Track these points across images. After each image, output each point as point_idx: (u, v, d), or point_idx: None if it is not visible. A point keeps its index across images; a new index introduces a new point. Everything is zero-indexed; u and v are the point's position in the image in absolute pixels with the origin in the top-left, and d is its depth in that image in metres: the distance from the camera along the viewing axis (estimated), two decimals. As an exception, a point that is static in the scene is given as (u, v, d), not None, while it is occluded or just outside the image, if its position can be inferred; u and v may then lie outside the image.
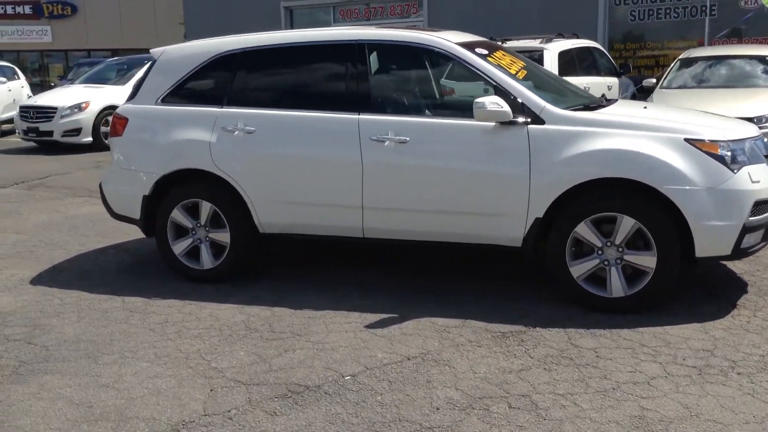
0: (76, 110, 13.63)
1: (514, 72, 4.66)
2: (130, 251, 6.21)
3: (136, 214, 5.31)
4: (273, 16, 19.28)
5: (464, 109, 4.58)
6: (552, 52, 9.04)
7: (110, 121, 5.71)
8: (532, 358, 3.75)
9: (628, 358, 3.70)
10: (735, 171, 4.14)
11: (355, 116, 4.71)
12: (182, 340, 4.18)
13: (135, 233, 6.61)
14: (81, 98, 13.87)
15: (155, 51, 5.47)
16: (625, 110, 4.67)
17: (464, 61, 4.61)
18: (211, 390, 3.52)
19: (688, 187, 4.08)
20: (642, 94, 11.04)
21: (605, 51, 12.06)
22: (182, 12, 20.71)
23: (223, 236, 5.11)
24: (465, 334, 4.10)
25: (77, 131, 13.59)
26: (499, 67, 4.61)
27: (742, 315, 4.25)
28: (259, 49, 5.07)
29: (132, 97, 5.45)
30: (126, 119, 5.32)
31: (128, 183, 5.33)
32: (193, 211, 5.19)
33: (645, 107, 4.98)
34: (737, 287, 4.76)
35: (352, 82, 4.78)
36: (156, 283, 5.25)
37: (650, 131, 4.25)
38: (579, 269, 4.36)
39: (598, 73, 10.44)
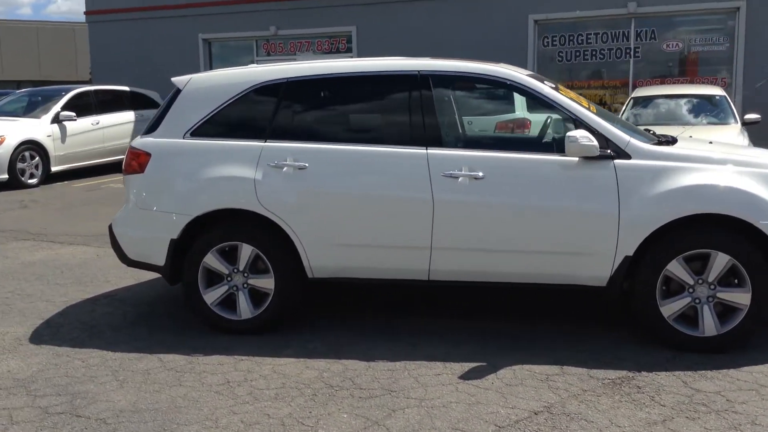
0: (-11, 145, 12.43)
1: (586, 106, 4.51)
2: (126, 301, 5.54)
3: (160, 260, 4.72)
4: (191, 50, 18.61)
5: (535, 143, 4.38)
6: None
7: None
8: (664, 406, 3.53)
9: (760, 401, 3.55)
10: (826, 206, 4.14)
11: (423, 150, 4.40)
12: (261, 402, 3.66)
13: (117, 280, 6.03)
14: (-6, 132, 12.69)
15: (179, 80, 4.94)
16: (699, 146, 4.61)
17: (541, 94, 4.41)
18: (340, 463, 3.06)
19: (783, 222, 4.04)
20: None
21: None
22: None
23: (266, 282, 4.62)
24: (573, 382, 3.83)
25: (-9, 168, 12.38)
26: (573, 100, 4.45)
27: (825, 350, 4.23)
28: (308, 80, 4.66)
29: (151, 129, 4.87)
30: (148, 155, 4.75)
31: (150, 225, 4.73)
32: (229, 256, 4.67)
33: (710, 142, 4.96)
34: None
35: (417, 115, 4.47)
36: (183, 336, 4.66)
37: (739, 166, 4.20)
38: (670, 308, 4.21)
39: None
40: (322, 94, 4.69)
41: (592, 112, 4.42)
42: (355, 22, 17.01)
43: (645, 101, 10.35)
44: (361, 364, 4.14)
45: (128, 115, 14.87)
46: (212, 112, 4.73)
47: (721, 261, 4.10)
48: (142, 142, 4.83)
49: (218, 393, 3.80)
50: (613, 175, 4.20)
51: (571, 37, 15.40)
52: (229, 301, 4.71)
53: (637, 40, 14.95)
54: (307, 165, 4.49)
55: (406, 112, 4.51)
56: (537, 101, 4.45)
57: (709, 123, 9.64)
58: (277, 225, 4.55)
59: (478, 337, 4.54)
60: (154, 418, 3.51)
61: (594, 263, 4.25)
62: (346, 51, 17.44)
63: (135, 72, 18.44)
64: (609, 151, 4.22)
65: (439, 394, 3.71)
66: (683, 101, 10.36)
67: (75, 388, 3.90)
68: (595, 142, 4.14)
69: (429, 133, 4.43)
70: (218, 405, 3.65)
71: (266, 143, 4.59)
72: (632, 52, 15.05)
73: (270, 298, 4.62)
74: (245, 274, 4.65)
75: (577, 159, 4.23)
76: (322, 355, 4.30)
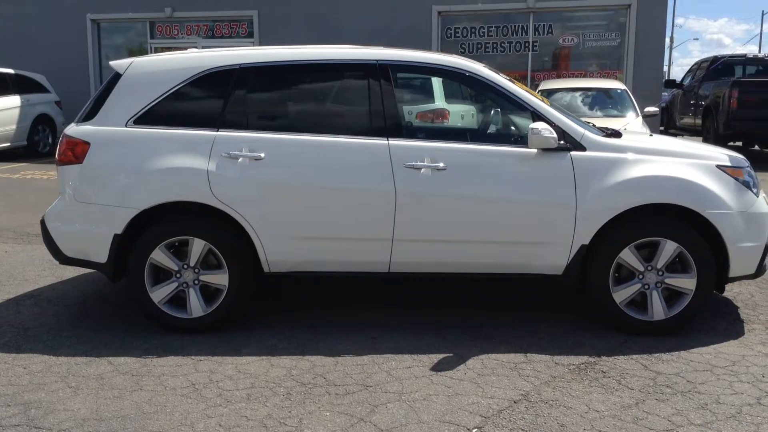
0: None
1: (540, 99, 4.60)
2: (53, 301, 5.17)
3: (101, 257, 4.43)
4: (78, 30, 17.60)
5: (494, 135, 4.44)
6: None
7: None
8: (632, 389, 3.67)
9: (716, 380, 3.77)
10: (757, 195, 4.44)
11: (384, 141, 4.35)
12: (235, 404, 3.52)
13: (36, 278, 5.69)
14: None
15: (118, 63, 4.64)
16: (644, 138, 4.80)
17: (500, 86, 4.45)
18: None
19: (725, 211, 4.29)
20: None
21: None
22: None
23: (219, 278, 4.44)
24: (541, 369, 3.92)
25: None
26: (531, 93, 4.53)
27: (756, 329, 4.54)
28: (262, 66, 4.49)
29: (88, 117, 4.55)
30: (87, 144, 4.44)
31: (90, 220, 4.43)
32: (179, 251, 4.45)
33: (651, 135, 5.17)
34: (723, 304, 5.08)
35: (377, 106, 4.41)
36: (128, 336, 4.41)
37: (685, 158, 4.42)
38: (621, 294, 4.39)
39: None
40: (278, 82, 4.54)
41: (548, 105, 4.52)
42: (257, 6, 16.62)
43: (550, 94, 10.71)
44: (328, 360, 4.06)
45: (13, 100, 13.90)
46: (157, 98, 4.47)
47: (669, 248, 4.31)
48: (79, 130, 4.50)
49: (185, 396, 3.62)
50: (570, 166, 4.31)
51: (473, 30, 15.71)
52: (177, 299, 4.49)
53: (535, 34, 15.45)
54: (263, 155, 4.34)
55: (364, 101, 4.44)
56: (496, 94, 4.50)
57: (610, 116, 10.09)
58: (231, 218, 4.38)
59: (438, 328, 4.56)
60: (123, 426, 3.30)
61: (552, 252, 4.36)
62: (247, 36, 17.03)
63: (14, 52, 17.21)
64: (566, 143, 4.33)
65: (416, 387, 3.69)
66: (588, 94, 10.82)
67: (24, 398, 3.60)
68: (554, 134, 4.24)
69: (389, 123, 4.38)
70: (189, 409, 3.47)
71: (219, 132, 4.40)
72: (531, 46, 15.54)
73: (224, 294, 4.44)
74: (196, 270, 4.44)
75: (535, 151, 4.32)
76: (285, 352, 4.19)
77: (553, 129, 4.30)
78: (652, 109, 10.46)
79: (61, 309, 4.99)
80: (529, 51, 15.55)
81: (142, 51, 17.19)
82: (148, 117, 4.46)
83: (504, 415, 3.40)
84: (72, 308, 5.01)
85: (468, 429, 3.27)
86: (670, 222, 4.32)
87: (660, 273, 4.37)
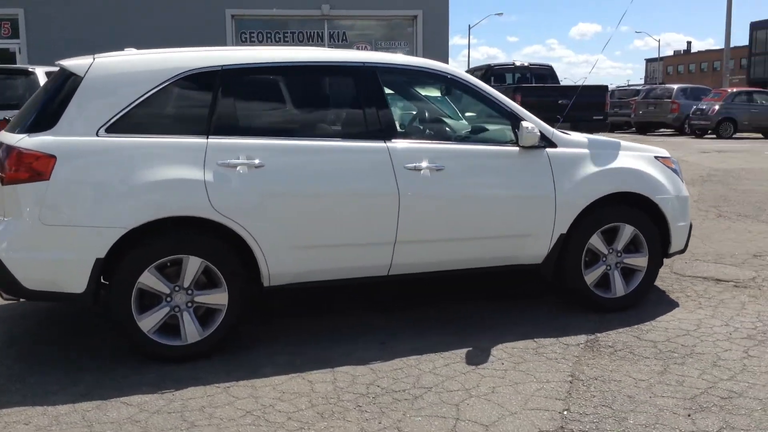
0: None
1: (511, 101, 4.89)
2: (-30, 346, 4.35)
3: (77, 286, 3.83)
4: None
5: (482, 135, 4.66)
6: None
7: None
8: (648, 358, 4.09)
9: (702, 342, 4.32)
10: (682, 181, 5.16)
11: (382, 144, 4.33)
12: (317, 424, 3.30)
13: None
14: None
15: (75, 64, 4.03)
16: (596, 136, 5.29)
17: (477, 87, 4.66)
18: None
19: (667, 196, 4.94)
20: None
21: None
22: None
23: (217, 298, 4.08)
24: (560, 351, 4.20)
25: None
26: (502, 95, 4.80)
27: (681, 297, 5.28)
28: (247, 68, 4.20)
29: (44, 126, 3.90)
30: (51, 157, 3.81)
31: (63, 244, 3.80)
32: (170, 272, 4.02)
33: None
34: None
35: (371, 108, 4.36)
36: (115, 373, 3.89)
37: (634, 151, 4.99)
38: (591, 276, 4.84)
39: None
40: (265, 85, 4.29)
41: (520, 107, 4.82)
42: (22, 3, 14.88)
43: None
44: (361, 369, 3.95)
45: None
46: (132, 104, 3.98)
47: (627, 232, 4.85)
48: (38, 141, 3.83)
49: (255, 425, 3.32)
50: (547, 162, 4.66)
51: (269, 34, 15.64)
52: (167, 326, 4.05)
53: (330, 40, 15.81)
54: (263, 163, 4.08)
55: (356, 104, 4.38)
56: (475, 96, 4.70)
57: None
58: (229, 232, 4.06)
59: (436, 325, 4.64)
60: (223, 467, 2.96)
61: (535, 243, 4.68)
62: (10, 37, 15.18)
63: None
64: (542, 140, 4.67)
65: (474, 383, 3.76)
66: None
67: (67, 457, 3.04)
68: (539, 132, 4.56)
69: (385, 125, 4.37)
70: (274, 437, 3.21)
71: (210, 140, 4.05)
72: (326, 44, 15.86)
73: (222, 315, 4.10)
74: (189, 292, 4.05)
75: (518, 149, 4.60)
76: (310, 366, 3.99)
77: (532, 128, 4.62)
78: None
79: (8, 352, 4.21)
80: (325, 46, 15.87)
81: None
82: (123, 125, 3.95)
83: (575, 395, 3.62)
84: (24, 338, 4.25)
85: (558, 412, 3.44)
86: (628, 208, 4.86)
87: (619, 254, 4.90)
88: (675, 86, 27.63)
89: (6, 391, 3.70)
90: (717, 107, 24.18)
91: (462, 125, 5.01)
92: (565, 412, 3.43)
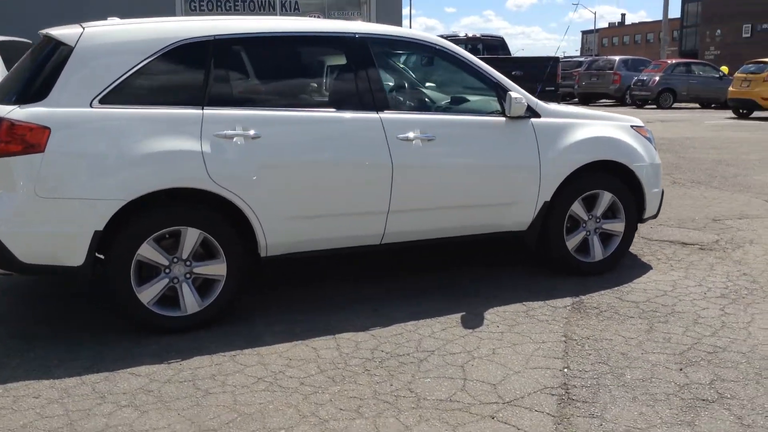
0: None
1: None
2: (-43, 324, 4.26)
3: (75, 259, 3.80)
4: None
5: (469, 105, 4.75)
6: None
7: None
8: (633, 317, 4.29)
9: (680, 302, 4.54)
10: (655, 149, 5.37)
11: (375, 115, 4.38)
12: (330, 388, 3.37)
13: None
14: None
15: (64, 33, 3.94)
16: (572, 106, 5.44)
17: (464, 59, 4.73)
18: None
19: (642, 164, 5.13)
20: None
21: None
22: None
23: (216, 269, 4.10)
24: (549, 313, 4.37)
25: None
26: (489, 67, 4.88)
27: (652, 260, 5.52)
28: (240, 38, 4.18)
29: (34, 97, 3.81)
30: (46, 129, 3.73)
31: (60, 217, 3.75)
32: (168, 244, 4.01)
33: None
34: (607, 243, 6.01)
35: (363, 79, 4.40)
36: (115, 344, 3.88)
37: (612, 120, 5.16)
38: (573, 242, 5.01)
39: None
40: (259, 55, 4.27)
41: (505, 77, 4.92)
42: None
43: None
44: (362, 335, 4.03)
45: None
46: (124, 74, 3.92)
47: (606, 198, 5.04)
48: (31, 113, 3.74)
49: (269, 391, 3.37)
50: (532, 131, 4.79)
51: (219, 4, 15.32)
52: (165, 297, 4.05)
53: (282, 9, 15.58)
54: (259, 134, 4.08)
55: (349, 75, 4.40)
56: (462, 67, 4.77)
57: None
58: (228, 203, 4.06)
59: (425, 292, 4.75)
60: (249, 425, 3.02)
61: (521, 210, 4.82)
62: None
63: None
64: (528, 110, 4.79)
65: (475, 345, 3.89)
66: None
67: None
68: (526, 103, 4.68)
69: (378, 96, 4.41)
70: (288, 401, 3.26)
71: (205, 111, 4.02)
72: (278, 13, 15.65)
73: (221, 285, 4.12)
74: (188, 263, 4.05)
75: (504, 119, 4.71)
76: (310, 333, 4.05)
77: (517, 98, 4.73)
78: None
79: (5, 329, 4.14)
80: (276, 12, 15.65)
81: None
82: (116, 96, 3.89)
83: (572, 354, 3.79)
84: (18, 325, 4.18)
85: (559, 370, 3.60)
86: (607, 176, 5.04)
87: (598, 220, 5.08)
88: (617, 58, 28.28)
89: (6, 366, 3.65)
90: (657, 78, 24.89)
91: (449, 96, 5.08)
92: (565, 370, 3.59)
